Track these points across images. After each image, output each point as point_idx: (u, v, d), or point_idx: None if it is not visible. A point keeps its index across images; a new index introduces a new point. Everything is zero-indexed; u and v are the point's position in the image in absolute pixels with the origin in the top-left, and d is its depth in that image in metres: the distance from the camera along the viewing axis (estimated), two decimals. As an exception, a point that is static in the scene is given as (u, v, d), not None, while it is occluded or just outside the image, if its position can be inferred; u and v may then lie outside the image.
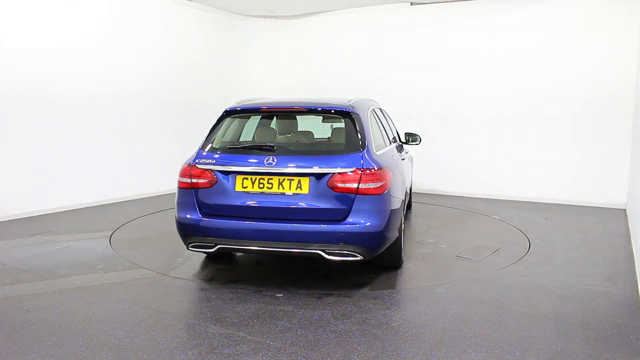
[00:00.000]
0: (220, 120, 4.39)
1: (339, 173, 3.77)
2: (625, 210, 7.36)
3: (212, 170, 3.98)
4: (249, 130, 4.69)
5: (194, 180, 4.01)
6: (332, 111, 4.22)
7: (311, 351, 2.97)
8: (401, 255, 4.46)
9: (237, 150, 4.14)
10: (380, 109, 5.61)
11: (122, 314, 3.52)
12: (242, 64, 10.03)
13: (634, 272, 4.50)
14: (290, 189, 3.83)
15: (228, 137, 4.39)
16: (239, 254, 4.96)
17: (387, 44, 9.07)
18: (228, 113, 4.38)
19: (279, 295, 3.90)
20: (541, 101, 7.97)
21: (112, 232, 5.83)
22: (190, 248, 4.10)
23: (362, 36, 9.29)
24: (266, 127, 4.71)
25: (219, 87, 9.49)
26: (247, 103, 4.56)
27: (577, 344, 3.09)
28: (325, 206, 3.78)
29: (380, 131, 4.78)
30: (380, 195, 3.83)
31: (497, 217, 6.86)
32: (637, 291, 4.01)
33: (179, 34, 8.67)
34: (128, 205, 7.40)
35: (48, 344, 3.05)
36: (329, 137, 4.84)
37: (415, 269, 4.57)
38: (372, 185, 3.79)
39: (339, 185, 3.76)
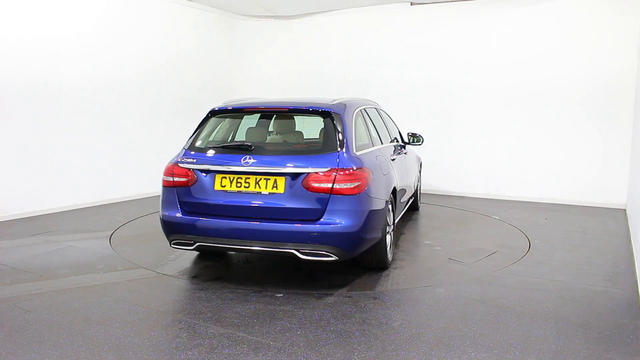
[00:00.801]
0: (205, 120, 4.46)
1: (314, 173, 3.79)
2: (625, 210, 7.36)
3: (192, 170, 4.05)
4: (233, 130, 4.71)
5: (176, 179, 4.09)
6: (312, 111, 4.23)
7: (311, 351, 2.97)
8: (386, 256, 4.40)
9: (217, 149, 4.20)
10: (376, 109, 5.58)
11: (122, 314, 3.52)
12: (242, 64, 10.03)
13: (634, 272, 4.51)
14: (266, 188, 3.87)
15: (211, 137, 4.43)
16: (235, 253, 4.96)
17: (387, 43, 9.07)
18: (213, 113, 4.45)
19: (279, 295, 3.90)
20: (541, 101, 7.97)
21: (112, 232, 5.83)
22: (172, 245, 4.18)
23: (362, 36, 9.29)
24: (248, 127, 4.74)
25: (219, 87, 9.50)
26: (232, 103, 4.61)
27: (577, 344, 3.09)
28: (300, 206, 3.80)
29: (369, 131, 4.73)
30: (356, 196, 3.82)
31: (497, 217, 6.86)
32: (637, 291, 4.01)
33: (179, 34, 8.67)
34: (128, 205, 7.40)
35: (48, 344, 3.05)
36: (310, 137, 4.80)
37: (401, 271, 4.51)
38: (347, 186, 3.78)
39: (313, 185, 3.77)
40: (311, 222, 3.78)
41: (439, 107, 8.72)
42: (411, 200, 6.63)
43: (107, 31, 7.42)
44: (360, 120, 4.58)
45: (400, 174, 5.28)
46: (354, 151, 4.04)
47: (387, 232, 4.47)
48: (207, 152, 4.17)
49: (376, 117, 5.48)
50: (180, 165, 4.11)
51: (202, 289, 4.03)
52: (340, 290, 4.00)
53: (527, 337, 3.18)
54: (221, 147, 4.24)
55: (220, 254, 4.96)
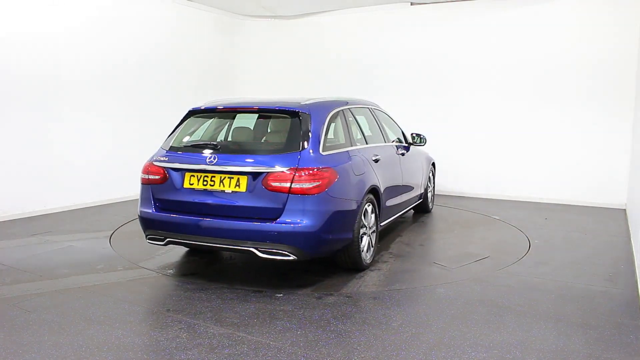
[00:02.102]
0: (183, 120, 4.58)
1: (273, 172, 3.83)
2: (625, 210, 7.36)
3: (165, 168, 4.19)
4: (205, 130, 4.76)
5: (151, 177, 4.26)
6: (281, 111, 4.27)
7: (311, 351, 2.97)
8: (360, 258, 4.35)
9: (187, 149, 4.31)
10: (371, 110, 5.53)
11: (122, 314, 3.52)
12: (242, 64, 10.03)
13: (634, 272, 4.50)
14: (229, 187, 3.94)
15: (186, 136, 4.52)
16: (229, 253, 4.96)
17: (387, 43, 9.07)
18: (191, 113, 4.57)
19: (279, 295, 3.90)
20: (541, 101, 7.97)
21: (112, 232, 5.83)
22: (147, 240, 4.33)
23: (362, 36, 9.29)
24: (216, 127, 4.78)
25: (218, 87, 9.49)
26: (208, 103, 4.70)
27: (577, 344, 3.09)
28: (260, 205, 3.85)
29: (351, 131, 4.68)
30: (316, 196, 3.82)
31: (497, 217, 6.86)
32: (637, 291, 4.01)
33: (179, 34, 8.67)
34: (128, 205, 7.40)
35: (48, 344, 3.05)
36: (276, 137, 4.73)
37: (376, 273, 4.44)
38: (306, 185, 3.79)
39: (272, 184, 3.81)
40: (270, 221, 3.82)
41: (439, 107, 8.72)
42: (417, 202, 6.52)
43: (106, 32, 7.41)
44: (338, 121, 4.59)
45: (392, 175, 5.19)
46: (321, 151, 4.04)
47: (365, 234, 4.44)
48: (179, 151, 4.29)
49: (369, 117, 5.43)
50: (154, 163, 4.27)
51: (202, 289, 4.03)
52: (306, 290, 3.99)
53: (527, 337, 3.18)
54: (191, 146, 4.34)
55: (219, 254, 4.97)
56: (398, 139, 5.99)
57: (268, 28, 10.07)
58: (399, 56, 8.97)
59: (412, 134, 6.28)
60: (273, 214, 3.82)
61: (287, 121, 4.21)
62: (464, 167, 8.57)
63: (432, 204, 7.31)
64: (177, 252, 5.01)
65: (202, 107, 4.57)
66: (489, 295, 3.94)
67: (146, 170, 4.31)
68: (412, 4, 8.77)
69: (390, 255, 5.02)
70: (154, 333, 3.21)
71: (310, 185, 3.80)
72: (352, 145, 4.57)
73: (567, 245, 5.46)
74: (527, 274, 4.47)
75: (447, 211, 7.31)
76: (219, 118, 4.73)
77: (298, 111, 4.17)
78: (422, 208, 6.95)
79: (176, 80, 8.61)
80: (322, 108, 4.40)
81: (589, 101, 7.65)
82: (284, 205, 3.80)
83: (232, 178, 3.93)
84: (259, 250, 3.84)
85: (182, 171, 4.11)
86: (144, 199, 4.32)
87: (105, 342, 3.07)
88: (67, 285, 4.09)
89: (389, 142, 5.60)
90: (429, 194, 7.07)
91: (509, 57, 8.13)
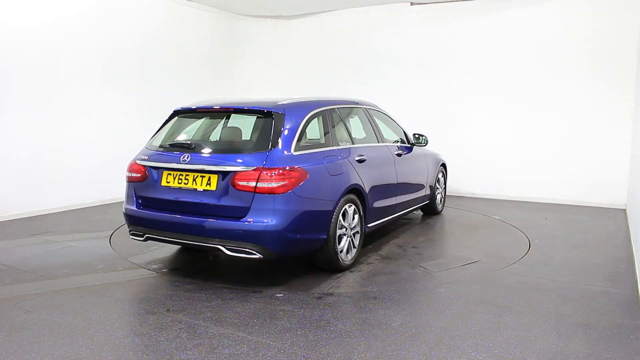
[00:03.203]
0: (167, 120, 4.72)
1: (240, 171, 3.88)
2: (625, 210, 7.36)
3: (145, 166, 4.33)
4: (188, 128, 4.83)
5: (133, 175, 4.42)
6: (255, 111, 4.31)
7: (311, 351, 2.97)
8: (338, 258, 4.33)
9: (166, 148, 4.41)
10: (365, 110, 5.48)
11: (122, 314, 3.52)
12: (242, 64, 10.03)
13: (634, 272, 4.50)
14: (201, 185, 4.03)
15: (167, 135, 4.60)
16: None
17: (387, 43, 9.07)
18: (175, 113, 4.69)
19: (279, 295, 3.90)
20: (541, 101, 7.97)
21: (112, 232, 5.83)
22: (130, 236, 4.48)
23: (362, 36, 9.29)
24: (199, 126, 4.84)
25: (218, 87, 9.49)
26: (194, 104, 4.81)
27: (577, 344, 3.09)
28: (228, 203, 3.92)
29: (333, 132, 4.65)
30: (282, 195, 3.85)
31: (497, 217, 6.86)
32: (637, 291, 4.01)
33: (179, 34, 8.66)
34: (128, 205, 7.39)
35: (48, 344, 3.05)
36: (248, 137, 4.72)
37: (353, 274, 4.39)
38: (271, 185, 3.82)
39: (239, 183, 3.87)
40: (237, 219, 3.88)
41: (439, 107, 8.72)
42: (422, 203, 6.41)
43: (105, 30, 7.41)
44: (319, 121, 4.60)
45: (383, 176, 5.12)
46: (292, 151, 4.06)
47: (344, 235, 4.43)
48: (159, 150, 4.40)
49: (363, 118, 5.39)
50: (137, 162, 4.41)
51: (202, 289, 4.03)
52: (271, 289, 4.00)
53: (527, 337, 3.18)
54: (169, 145, 4.44)
55: (219, 254, 4.95)
56: (401, 139, 5.96)
57: (268, 28, 10.07)
58: (399, 56, 8.97)
59: (413, 134, 6.24)
60: (240, 213, 3.88)
61: (261, 121, 4.26)
62: (464, 167, 8.56)
63: (443, 206, 7.17)
64: (177, 253, 5.01)
65: (185, 108, 4.67)
66: (489, 295, 3.94)
67: (130, 169, 4.46)
68: (412, 4, 8.77)
69: (378, 257, 4.95)
70: (154, 333, 3.21)
71: (276, 185, 3.84)
72: (333, 146, 4.55)
73: (567, 245, 5.46)
74: (527, 274, 4.47)
75: (451, 212, 7.30)
76: (199, 118, 4.82)
77: (271, 111, 4.21)
78: (431, 209, 6.84)
79: (176, 80, 8.61)
80: (300, 108, 4.43)
81: (589, 101, 7.65)
82: (250, 204, 3.85)
83: (204, 177, 4.02)
84: (226, 248, 3.91)
85: (161, 170, 4.24)
86: (128, 196, 4.48)
87: (105, 342, 3.07)
88: (67, 285, 4.09)
89: (384, 142, 5.50)
90: (438, 196, 6.94)
91: (509, 57, 8.13)
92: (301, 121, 4.29)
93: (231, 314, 3.52)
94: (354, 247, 4.60)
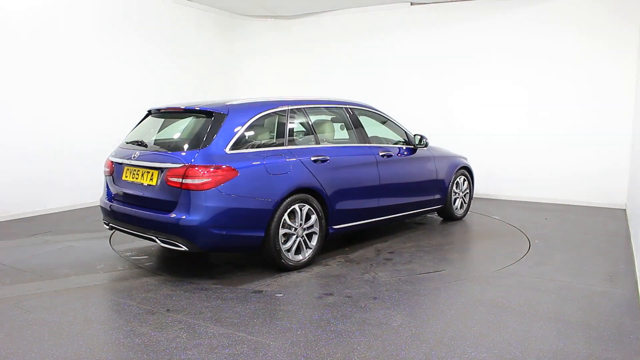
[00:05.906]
0: (142, 119, 5.05)
1: (170, 168, 4.10)
2: (625, 210, 7.36)
3: (113, 162, 4.69)
4: (151, 127, 4.99)
5: (106, 169, 4.80)
6: (201, 111, 4.49)
7: (311, 351, 2.97)
8: (280, 257, 4.33)
9: (129, 145, 4.71)
10: (347, 109, 5.34)
11: (122, 314, 3.52)
12: (242, 64, 10.03)
13: (634, 272, 4.50)
14: (146, 180, 4.30)
15: (136, 133, 4.90)
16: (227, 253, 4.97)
17: (387, 44, 9.07)
18: (149, 112, 5.03)
19: (279, 295, 3.90)
20: (541, 101, 7.97)
21: (112, 232, 5.83)
22: (104, 225, 4.83)
23: (362, 36, 9.29)
24: (160, 125, 4.98)
25: (218, 87, 9.49)
26: (165, 104, 5.07)
27: (577, 344, 3.09)
28: (162, 198, 4.16)
29: (285, 132, 4.61)
30: (206, 192, 3.97)
31: (497, 217, 6.86)
32: (637, 291, 4.01)
33: (179, 34, 8.67)
34: (128, 205, 7.39)
35: (48, 344, 3.05)
36: (188, 135, 4.74)
37: (300, 275, 4.35)
38: (195, 181, 3.97)
39: (170, 179, 4.08)
40: (167, 213, 4.09)
41: (439, 107, 8.72)
42: (432, 207, 6.20)
43: (107, 31, 7.42)
44: (271, 121, 4.66)
45: (355, 178, 4.96)
46: (227, 150, 4.16)
47: (292, 234, 4.42)
48: (125, 147, 4.71)
49: (345, 117, 5.31)
50: (109, 158, 4.79)
51: (202, 289, 4.03)
52: (205, 281, 4.01)
53: (527, 337, 3.18)
54: (130, 142, 4.74)
55: (219, 254, 4.98)
56: (402, 140, 5.91)
57: (268, 28, 10.07)
58: (399, 56, 8.97)
59: (414, 135, 6.07)
60: (170, 207, 4.09)
61: (202, 120, 4.44)
62: (464, 167, 8.56)
63: (465, 212, 6.76)
64: (176, 253, 5.01)
65: (155, 108, 4.96)
66: (488, 295, 3.94)
67: (105, 164, 4.85)
68: (412, 4, 8.77)
69: (341, 260, 4.82)
70: (154, 333, 3.21)
71: (199, 182, 3.97)
72: (285, 146, 4.55)
73: (567, 245, 5.46)
74: (527, 274, 4.47)
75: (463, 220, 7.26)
76: (166, 118, 4.97)
77: (213, 111, 4.38)
78: (446, 214, 6.53)
79: (176, 80, 8.60)
80: (247, 109, 4.51)
81: (589, 101, 7.65)
82: (178, 199, 4.05)
83: (149, 172, 4.28)
84: (159, 240, 4.17)
85: (122, 165, 4.55)
86: (104, 190, 4.85)
87: (105, 342, 3.07)
88: (67, 285, 4.09)
89: (368, 143, 5.33)
90: (458, 201, 6.58)
91: (509, 57, 8.13)
92: (245, 121, 4.38)
93: (231, 314, 3.52)
94: (308, 247, 4.60)
